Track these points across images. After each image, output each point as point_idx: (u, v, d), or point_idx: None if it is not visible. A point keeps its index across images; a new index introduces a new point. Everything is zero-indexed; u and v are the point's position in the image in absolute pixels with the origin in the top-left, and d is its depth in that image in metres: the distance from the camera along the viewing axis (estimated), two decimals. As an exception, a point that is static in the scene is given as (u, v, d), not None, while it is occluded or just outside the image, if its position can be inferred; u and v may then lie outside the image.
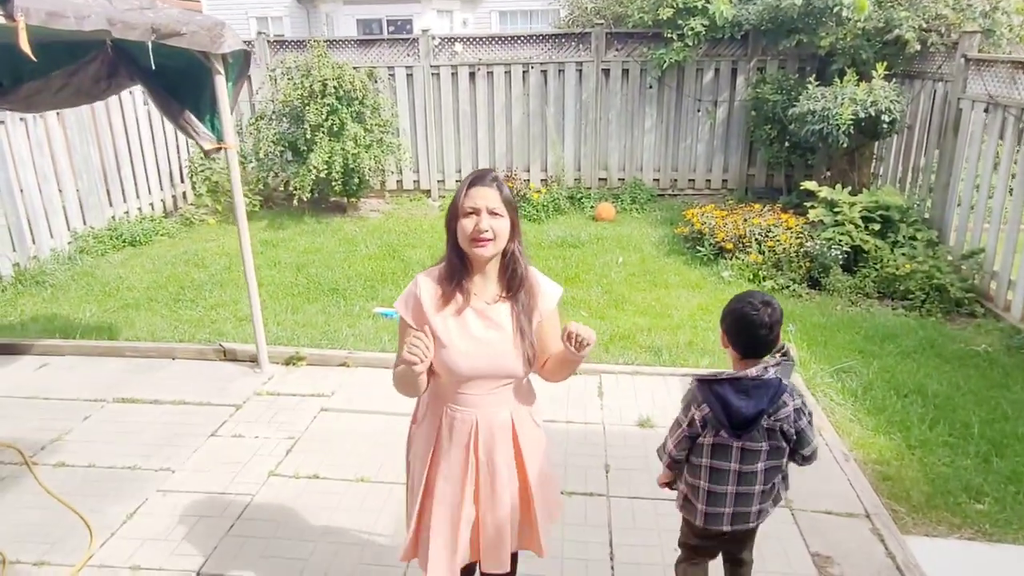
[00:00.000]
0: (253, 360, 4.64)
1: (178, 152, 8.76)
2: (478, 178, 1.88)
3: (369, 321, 5.34)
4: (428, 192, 9.20)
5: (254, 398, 4.22)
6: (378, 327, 5.20)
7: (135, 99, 7.85)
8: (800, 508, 3.18)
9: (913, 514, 3.23)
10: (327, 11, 17.59)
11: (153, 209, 8.30)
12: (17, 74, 3.92)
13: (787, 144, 7.97)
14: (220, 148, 4.08)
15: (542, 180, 9.03)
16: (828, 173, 7.26)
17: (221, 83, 3.92)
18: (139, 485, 3.35)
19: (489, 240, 1.84)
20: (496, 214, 1.85)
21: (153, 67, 3.37)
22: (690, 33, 7.88)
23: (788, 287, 5.93)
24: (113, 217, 7.66)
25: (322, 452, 3.61)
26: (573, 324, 1.85)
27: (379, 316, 5.41)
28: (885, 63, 6.58)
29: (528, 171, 9.03)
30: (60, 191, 6.96)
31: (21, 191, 6.43)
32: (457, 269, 1.91)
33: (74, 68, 3.98)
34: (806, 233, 6.26)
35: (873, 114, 6.25)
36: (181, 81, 4.02)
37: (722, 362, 4.63)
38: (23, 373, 4.59)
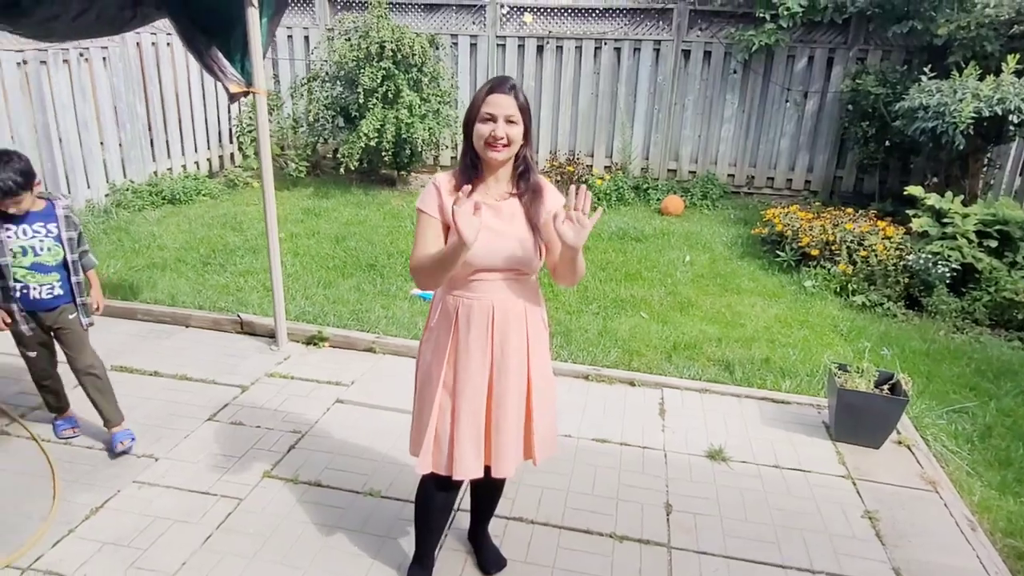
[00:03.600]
0: (271, 336, 4.16)
1: (228, 111, 8.41)
2: (497, 85, 1.95)
3: (405, 303, 4.81)
4: (483, 171, 8.63)
5: (264, 380, 3.72)
6: (414, 311, 4.66)
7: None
8: (916, 589, 2.50)
9: (1061, 609, 2.53)
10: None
11: (198, 168, 7.96)
12: (33, -7, 3.50)
13: (886, 144, 7.09)
14: (248, 92, 3.58)
15: (606, 167, 8.34)
16: (934, 179, 6.38)
17: (254, 17, 3.42)
18: (115, 472, 2.88)
19: (504, 145, 1.95)
20: (512, 121, 1.95)
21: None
22: (785, 14, 7.06)
23: (882, 304, 5.15)
24: (155, 173, 7.34)
25: (329, 453, 3.08)
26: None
27: (417, 299, 4.88)
28: (1017, 56, 5.68)
29: (592, 156, 8.35)
30: (101, 142, 6.67)
31: (60, 139, 6.13)
32: (472, 169, 2.01)
33: (96, -8, 3.54)
34: (907, 245, 5.44)
35: (1000, 113, 5.36)
36: (210, 14, 3.53)
37: (808, 387, 3.93)
38: (27, 329, 4.21)
